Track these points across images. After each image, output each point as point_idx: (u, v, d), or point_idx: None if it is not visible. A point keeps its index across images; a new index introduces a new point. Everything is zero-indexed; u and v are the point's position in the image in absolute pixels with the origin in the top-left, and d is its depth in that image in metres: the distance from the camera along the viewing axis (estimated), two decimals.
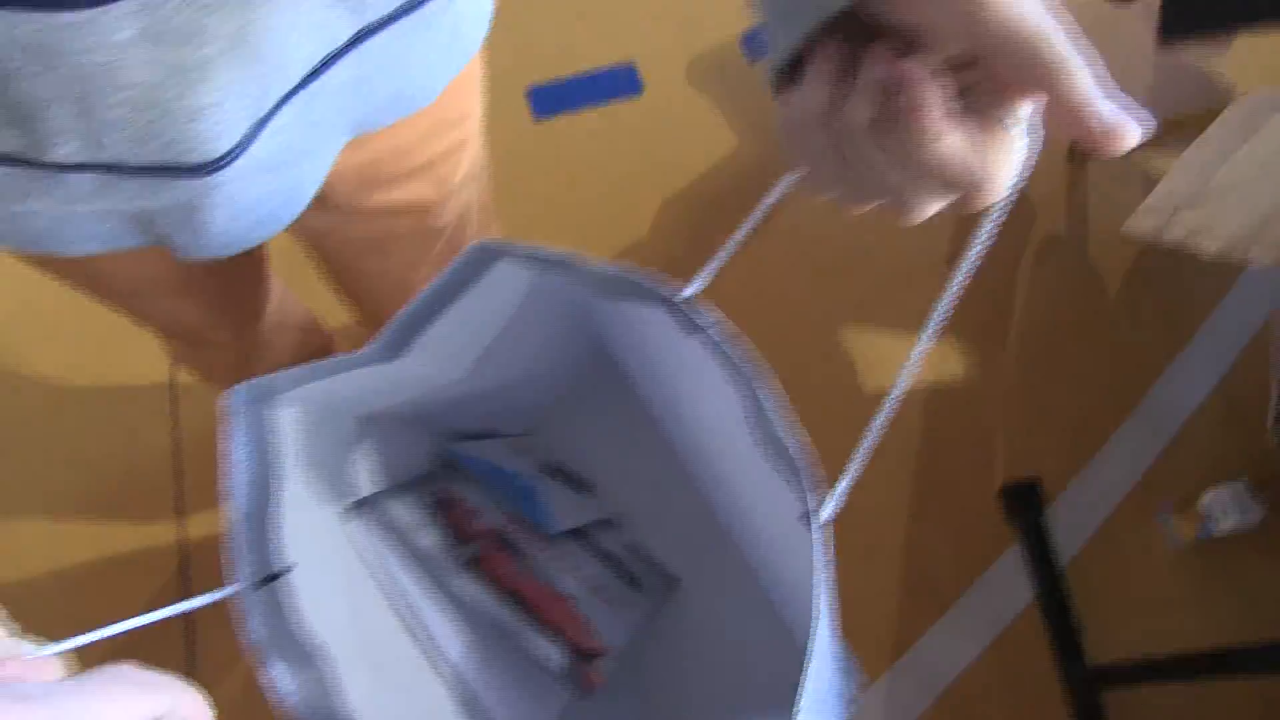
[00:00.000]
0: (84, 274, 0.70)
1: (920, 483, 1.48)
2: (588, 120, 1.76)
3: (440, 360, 0.52)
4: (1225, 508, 1.41)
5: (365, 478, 0.60)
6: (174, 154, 0.47)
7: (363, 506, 0.59)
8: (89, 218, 0.58)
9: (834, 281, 1.63)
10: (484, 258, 0.45)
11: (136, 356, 1.54)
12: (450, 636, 0.57)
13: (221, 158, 0.49)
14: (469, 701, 0.56)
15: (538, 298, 0.52)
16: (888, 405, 0.40)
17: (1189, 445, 1.52)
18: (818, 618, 0.38)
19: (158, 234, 0.60)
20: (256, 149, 0.50)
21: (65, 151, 0.45)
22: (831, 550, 0.39)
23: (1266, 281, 1.58)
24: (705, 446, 0.59)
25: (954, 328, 1.58)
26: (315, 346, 1.17)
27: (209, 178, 0.50)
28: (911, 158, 0.35)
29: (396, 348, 0.48)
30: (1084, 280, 1.65)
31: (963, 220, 1.64)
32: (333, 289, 0.98)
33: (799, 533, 0.42)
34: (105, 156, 0.46)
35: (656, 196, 1.71)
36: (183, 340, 0.92)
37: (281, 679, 0.43)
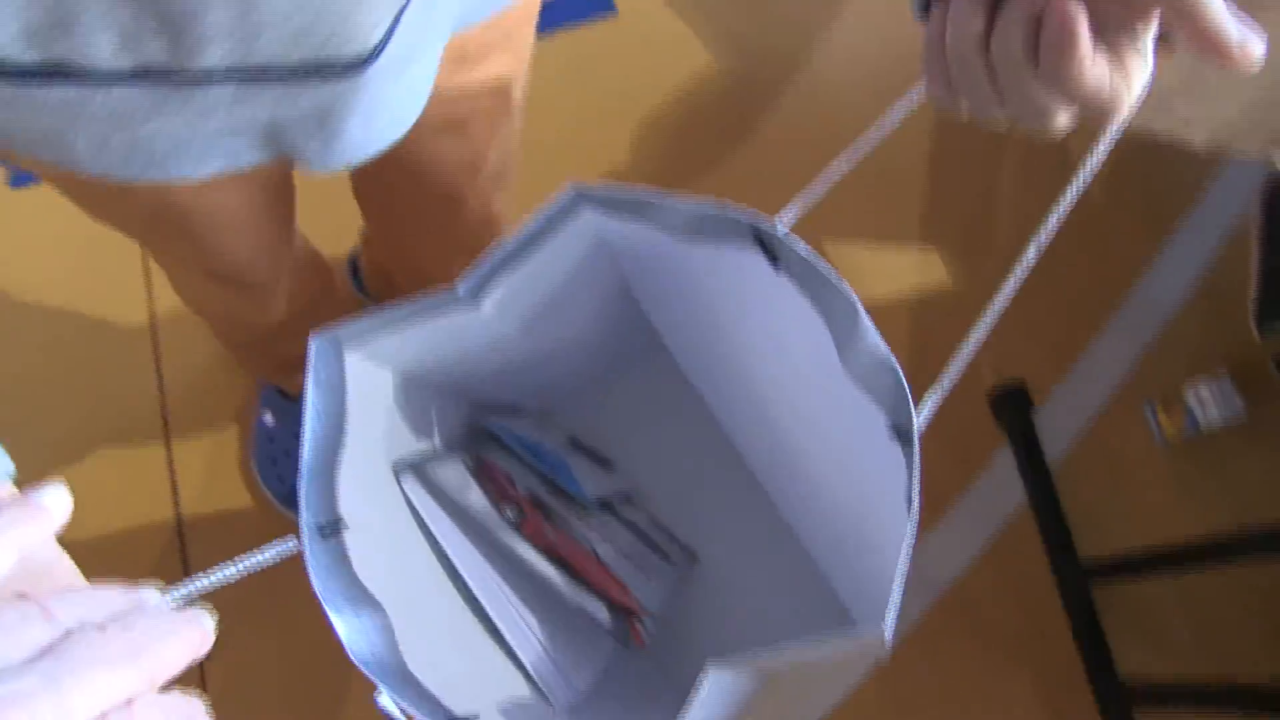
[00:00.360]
0: (161, 208, 0.69)
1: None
2: (561, 42, 1.71)
3: (500, 314, 0.52)
4: (1208, 402, 1.44)
5: (410, 437, 0.60)
6: (328, 51, 0.46)
7: (409, 465, 0.59)
8: (218, 133, 0.57)
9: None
10: (576, 200, 0.44)
11: (116, 303, 1.51)
12: (498, 591, 0.58)
13: (371, 52, 0.48)
14: (514, 655, 0.57)
15: (595, 259, 0.52)
16: (986, 319, 0.40)
17: (1174, 341, 1.55)
18: (914, 522, 0.39)
19: (286, 146, 0.59)
20: (393, 45, 0.50)
21: (212, 58, 0.43)
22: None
23: (1249, 175, 1.59)
24: (756, 395, 0.60)
25: (939, 235, 1.59)
26: (321, 282, 1.17)
27: (354, 78, 0.50)
28: (1060, 80, 0.38)
29: (479, 293, 0.48)
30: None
31: (942, 118, 1.63)
32: (363, 193, 0.97)
33: (879, 452, 0.42)
34: (254, 60, 0.44)
35: (632, 118, 1.68)
36: (221, 281, 0.91)
37: (345, 629, 0.43)
